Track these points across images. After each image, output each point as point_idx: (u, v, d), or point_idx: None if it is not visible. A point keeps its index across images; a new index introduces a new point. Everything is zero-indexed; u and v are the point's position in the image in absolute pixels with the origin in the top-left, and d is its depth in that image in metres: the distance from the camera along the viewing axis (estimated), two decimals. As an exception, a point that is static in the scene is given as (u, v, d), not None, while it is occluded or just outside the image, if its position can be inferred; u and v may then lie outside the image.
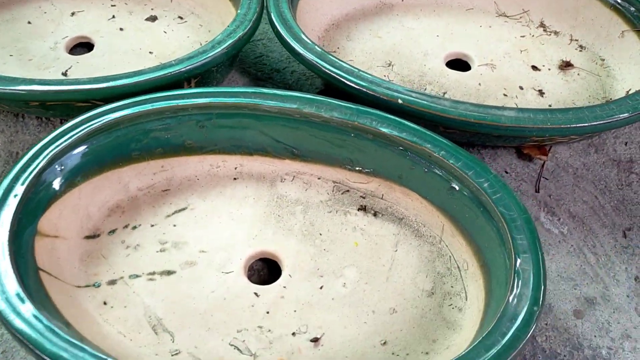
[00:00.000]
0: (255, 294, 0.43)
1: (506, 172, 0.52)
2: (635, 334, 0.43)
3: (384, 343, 0.40)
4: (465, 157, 0.43)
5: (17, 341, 0.34)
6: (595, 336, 0.43)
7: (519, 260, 0.37)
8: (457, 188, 0.43)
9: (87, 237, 0.45)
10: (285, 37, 0.52)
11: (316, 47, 0.51)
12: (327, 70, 0.50)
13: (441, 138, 0.44)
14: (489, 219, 0.41)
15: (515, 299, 0.36)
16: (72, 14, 0.65)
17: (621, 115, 0.46)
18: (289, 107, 0.47)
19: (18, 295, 0.35)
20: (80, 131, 0.45)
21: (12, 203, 0.39)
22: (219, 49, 0.51)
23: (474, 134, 0.50)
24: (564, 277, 0.46)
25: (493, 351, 0.33)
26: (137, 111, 0.46)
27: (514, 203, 0.40)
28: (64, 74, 0.58)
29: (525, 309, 0.35)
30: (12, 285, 0.35)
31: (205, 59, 0.50)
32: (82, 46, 0.63)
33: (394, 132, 0.45)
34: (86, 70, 0.59)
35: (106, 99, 0.48)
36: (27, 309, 0.34)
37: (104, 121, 0.45)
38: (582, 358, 0.42)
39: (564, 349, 0.42)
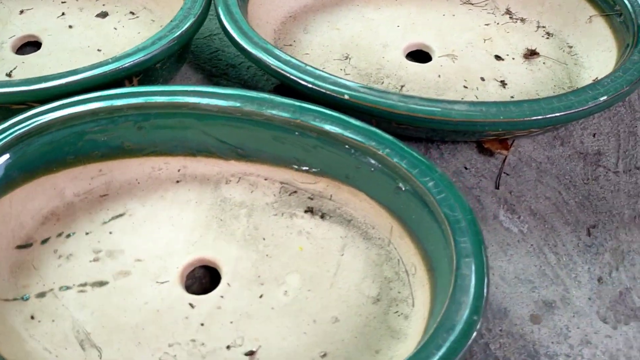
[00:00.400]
0: (191, 304, 0.40)
1: (465, 168, 0.50)
2: (595, 340, 0.40)
3: (324, 355, 0.38)
4: (411, 155, 0.40)
5: None
6: (552, 342, 0.40)
7: (461, 265, 0.35)
8: (403, 188, 0.41)
9: (19, 247, 0.43)
10: (231, 30, 0.50)
11: (262, 41, 0.49)
12: (272, 66, 0.47)
13: (387, 135, 0.41)
14: (433, 220, 0.38)
15: (454, 307, 0.33)
16: (21, 12, 0.62)
17: (580, 107, 0.43)
18: (230, 106, 0.44)
19: None
20: (8, 136, 0.42)
21: None
22: (160, 46, 0.49)
23: (428, 130, 0.47)
24: (521, 279, 0.43)
25: (425, 367, 0.31)
26: (69, 113, 0.44)
27: (459, 203, 0.37)
28: (8, 75, 0.56)
29: (464, 318, 0.32)
30: None
31: (144, 56, 0.48)
32: (31, 45, 0.60)
33: (337, 129, 0.42)
34: (32, 70, 0.56)
35: (42, 100, 0.46)
36: None
37: (34, 124, 0.43)
38: (538, 366, 0.39)
39: (519, 357, 0.40)
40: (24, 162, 0.43)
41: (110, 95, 0.45)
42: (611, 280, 0.43)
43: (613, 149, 0.51)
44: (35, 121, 0.43)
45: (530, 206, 0.47)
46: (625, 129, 0.52)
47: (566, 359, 0.39)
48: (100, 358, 0.38)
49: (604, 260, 0.44)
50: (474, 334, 0.32)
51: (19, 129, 0.43)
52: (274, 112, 0.44)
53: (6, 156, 0.42)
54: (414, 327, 0.38)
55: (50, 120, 0.43)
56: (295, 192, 0.46)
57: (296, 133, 0.44)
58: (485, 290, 0.34)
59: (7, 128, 0.43)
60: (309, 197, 0.46)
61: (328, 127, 0.42)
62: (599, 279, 0.43)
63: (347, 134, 0.42)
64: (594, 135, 0.52)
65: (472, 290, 0.34)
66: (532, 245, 0.45)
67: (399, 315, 0.39)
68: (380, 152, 0.41)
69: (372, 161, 0.42)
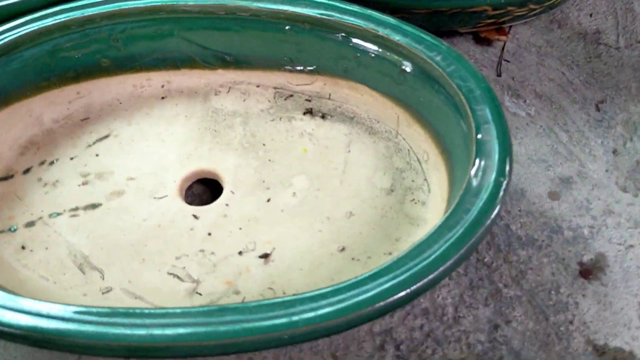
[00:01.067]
0: (194, 216, 0.38)
1: (464, 59, 0.47)
2: (617, 209, 0.39)
3: (342, 249, 0.36)
4: (413, 31, 0.38)
5: None
6: (574, 216, 0.39)
7: (480, 132, 0.33)
8: (408, 69, 0.38)
9: (0, 180, 0.40)
10: None
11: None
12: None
13: (385, 16, 0.39)
14: (445, 96, 0.36)
15: (479, 173, 0.31)
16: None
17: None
18: (212, 3, 0.41)
19: None
20: (-30, 58, 0.39)
21: None
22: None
23: (426, 15, 0.44)
24: (534, 159, 0.42)
25: (458, 229, 0.29)
26: (37, 28, 0.40)
27: (470, 73, 0.35)
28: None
29: (490, 181, 0.31)
30: None
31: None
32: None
33: (332, 15, 0.39)
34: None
35: (6, 18, 0.41)
36: None
37: (0, 43, 0.39)
38: (562, 241, 0.38)
39: (542, 234, 0.38)
40: (-8, 87, 0.39)
41: (80, 5, 0.41)
42: (626, 150, 0.42)
43: (612, 27, 0.49)
44: (1, 39, 0.39)
45: (535, 89, 0.45)
46: (622, 6, 0.50)
47: (590, 230, 0.38)
48: (103, 279, 0.35)
49: (617, 132, 0.43)
50: (503, 195, 0.30)
51: (-18, 50, 0.39)
52: (260, 5, 0.40)
53: (-29, 79, 0.38)
54: (432, 212, 0.37)
55: (17, 37, 0.39)
56: (291, 95, 0.43)
57: (287, 27, 0.41)
58: (509, 152, 0.32)
59: (-32, 50, 0.39)
60: (307, 99, 0.43)
61: (322, 14, 0.39)
62: (614, 151, 0.42)
63: (344, 18, 0.39)
64: (590, 15, 0.50)
65: (495, 154, 0.32)
66: (541, 126, 0.43)
67: (415, 203, 0.38)
68: (381, 34, 0.38)
69: (373, 46, 0.39)
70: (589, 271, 0.36)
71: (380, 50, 0.39)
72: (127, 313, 0.27)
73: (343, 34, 0.40)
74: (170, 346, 0.26)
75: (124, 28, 0.41)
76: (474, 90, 0.34)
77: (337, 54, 0.41)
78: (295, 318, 0.26)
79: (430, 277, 0.27)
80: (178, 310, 0.27)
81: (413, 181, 0.39)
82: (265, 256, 0.36)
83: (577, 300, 0.35)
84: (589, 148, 0.42)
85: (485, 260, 0.37)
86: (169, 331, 0.26)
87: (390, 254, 0.35)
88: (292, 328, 0.26)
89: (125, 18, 0.41)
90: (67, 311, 0.27)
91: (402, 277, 0.27)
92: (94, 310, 0.27)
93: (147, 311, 0.27)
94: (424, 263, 0.28)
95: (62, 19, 0.40)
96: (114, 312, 0.27)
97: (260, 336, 0.26)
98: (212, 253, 0.36)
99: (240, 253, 0.36)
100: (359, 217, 0.37)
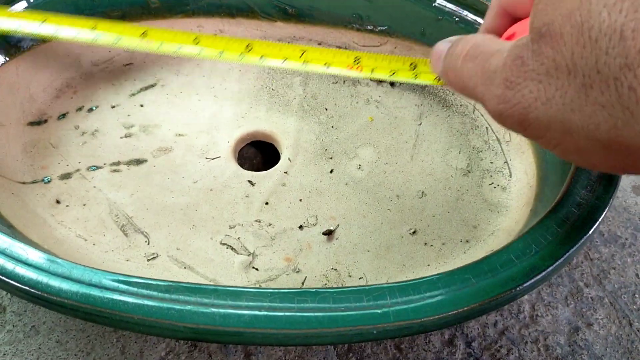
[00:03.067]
0: (250, 182, 0.34)
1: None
2: None
3: (414, 232, 0.32)
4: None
5: None
6: (661, 215, 0.36)
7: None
8: (498, 39, 0.34)
9: (32, 124, 0.36)
10: None
11: None
12: None
13: (476, -24, 0.35)
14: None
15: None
16: None
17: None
18: (278, -51, 0.37)
19: None
20: (8, -16, 0.34)
21: None
22: None
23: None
24: (620, 149, 0.38)
25: (567, 225, 0.25)
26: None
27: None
28: None
29: (602, 172, 0.27)
30: None
31: None
32: None
33: (415, -29, 0.35)
34: None
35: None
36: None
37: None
38: (647, 241, 0.35)
39: (625, 231, 0.35)
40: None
41: None
42: None
43: None
44: (41, -34, 0.35)
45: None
46: None
47: (679, 231, 0.35)
48: (148, 244, 0.32)
49: None
50: (616, 189, 0.27)
51: (22, -24, 0.34)
52: (336, -48, 0.36)
53: (12, 8, 0.34)
54: (515, 199, 0.33)
55: (59, -35, 0.35)
56: (355, 57, 0.39)
57: (362, -21, 0.36)
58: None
59: (5, -26, 0.34)
60: (373, 63, 0.39)
61: (405, -32, 0.35)
62: None
63: (430, -25, 0.35)
64: None
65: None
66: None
67: (494, 187, 0.34)
68: (472, -5, 0.34)
69: (459, 9, 0.35)
70: (678, 276, 0.33)
71: (467, 14, 0.35)
72: (194, 289, 0.24)
73: (426, -7, 0.36)
74: (243, 332, 0.23)
75: (179, -35, 0.37)
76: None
77: (416, 14, 0.37)
78: (386, 310, 0.23)
79: (542, 274, 0.24)
80: (253, 290, 0.23)
81: (492, 163, 0.35)
82: (328, 233, 0.32)
83: (666, 307, 0.33)
84: (678, 142, 0.39)
85: (565, 255, 0.34)
86: (244, 313, 0.23)
87: (467, 241, 0.32)
88: (383, 323, 0.23)
89: (182, -46, 0.37)
90: (123, 281, 0.24)
91: (508, 272, 0.24)
92: (155, 283, 0.24)
93: (218, 288, 0.23)
94: (532, 259, 0.24)
95: (113, -51, 0.36)
96: (177, 287, 0.24)
97: (346, 328, 0.23)
98: (270, 225, 0.33)
99: (300, 227, 0.32)
100: (432, 197, 0.34)
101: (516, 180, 0.34)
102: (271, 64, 0.28)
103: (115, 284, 0.23)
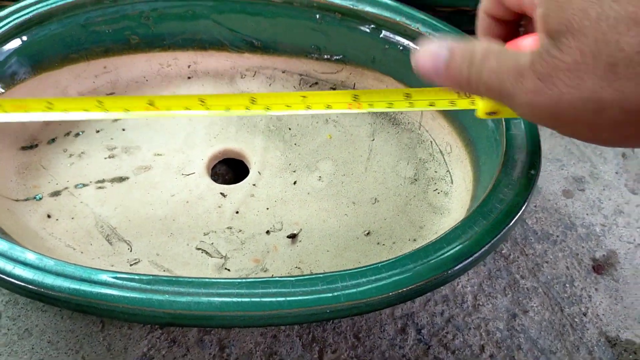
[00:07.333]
0: (222, 194, 0.38)
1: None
2: (627, 209, 0.41)
3: (368, 233, 0.37)
4: (443, 27, 0.39)
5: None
6: (587, 214, 0.40)
7: (510, 127, 0.34)
8: (437, 64, 0.39)
9: (24, 148, 0.40)
10: None
11: None
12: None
13: (415, 10, 0.40)
14: (474, 91, 0.37)
15: (510, 165, 0.32)
16: None
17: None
18: (244, -11, 0.42)
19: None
20: (5, 25, 0.38)
21: None
22: None
23: (449, 13, 0.46)
24: (549, 158, 0.43)
25: (491, 217, 0.30)
26: (71, 0, 0.40)
27: (500, 70, 0.36)
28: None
29: (521, 173, 0.32)
30: None
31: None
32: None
33: (363, 6, 0.40)
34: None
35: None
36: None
37: (34, 13, 0.39)
38: (575, 237, 0.39)
39: (557, 229, 0.40)
40: (23, 56, 0.39)
41: (113, -20, 0.41)
42: (634, 155, 0.44)
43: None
44: (36, 9, 0.39)
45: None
46: None
47: (602, 228, 0.40)
48: (131, 251, 0.35)
49: (627, 137, 0.45)
50: (533, 188, 0.32)
51: (18, 18, 0.39)
52: (294, -8, 0.41)
53: (6, 46, 0.38)
54: (456, 202, 0.38)
55: (51, 8, 0.39)
56: (315, 83, 0.44)
57: (318, 16, 0.41)
58: (538, 146, 0.33)
59: (4, 17, 0.38)
60: (331, 87, 0.44)
61: (353, 4, 0.40)
62: (623, 155, 0.44)
63: (374, 10, 0.40)
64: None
65: (525, 147, 0.33)
66: (556, 127, 0.45)
67: (438, 193, 0.39)
68: (411, 27, 0.39)
69: (402, 39, 0.40)
70: (601, 267, 0.38)
71: (409, 43, 0.40)
72: (171, 281, 0.27)
73: (373, 26, 0.41)
74: (214, 315, 0.27)
75: (156, 7, 0.42)
76: (504, 86, 0.36)
77: (366, 45, 0.42)
78: (337, 293, 0.27)
79: (469, 259, 0.28)
80: (223, 280, 0.27)
81: (436, 172, 0.40)
82: (292, 236, 0.36)
83: (590, 293, 0.37)
84: (600, 150, 0.44)
85: (503, 252, 0.39)
86: (215, 300, 0.27)
87: (414, 240, 0.36)
88: (335, 303, 0.27)
89: (159, -4, 0.41)
90: (109, 276, 0.27)
91: (440, 258, 0.28)
92: (137, 277, 0.28)
93: (193, 280, 0.27)
94: (461, 247, 0.29)
95: (96, -8, 0.40)
96: (157, 280, 0.27)
97: (303, 309, 0.27)
98: (240, 231, 0.37)
99: (267, 232, 0.37)
100: (384, 203, 0.38)
101: (456, 186, 0.38)
102: (277, 113, 0.30)
103: (103, 278, 0.27)
